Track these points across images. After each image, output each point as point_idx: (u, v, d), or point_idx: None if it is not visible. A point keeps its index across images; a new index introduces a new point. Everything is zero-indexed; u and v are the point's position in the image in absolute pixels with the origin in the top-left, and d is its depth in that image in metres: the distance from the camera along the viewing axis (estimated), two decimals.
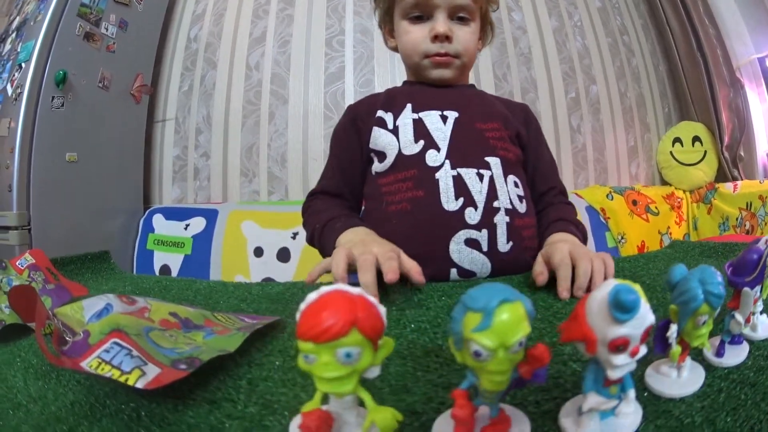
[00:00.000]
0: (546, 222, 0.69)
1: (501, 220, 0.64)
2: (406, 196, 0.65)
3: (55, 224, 1.39)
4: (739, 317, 0.32)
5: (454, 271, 0.62)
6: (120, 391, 0.28)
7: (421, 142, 0.67)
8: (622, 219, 1.67)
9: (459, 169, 0.64)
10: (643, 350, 0.23)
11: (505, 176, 0.66)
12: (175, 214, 1.68)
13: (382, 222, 0.65)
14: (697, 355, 0.32)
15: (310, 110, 1.64)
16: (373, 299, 0.22)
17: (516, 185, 0.67)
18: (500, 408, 0.24)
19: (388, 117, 0.70)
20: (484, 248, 0.62)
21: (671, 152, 1.86)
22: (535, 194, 0.73)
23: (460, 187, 0.63)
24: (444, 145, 0.66)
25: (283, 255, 1.54)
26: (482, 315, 0.21)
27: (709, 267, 0.28)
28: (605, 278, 0.50)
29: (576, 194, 1.66)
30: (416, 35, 0.70)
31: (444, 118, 0.68)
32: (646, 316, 0.23)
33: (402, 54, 0.74)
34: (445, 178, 0.64)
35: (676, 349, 0.29)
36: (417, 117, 0.69)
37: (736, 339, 0.34)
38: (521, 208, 0.66)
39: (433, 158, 0.65)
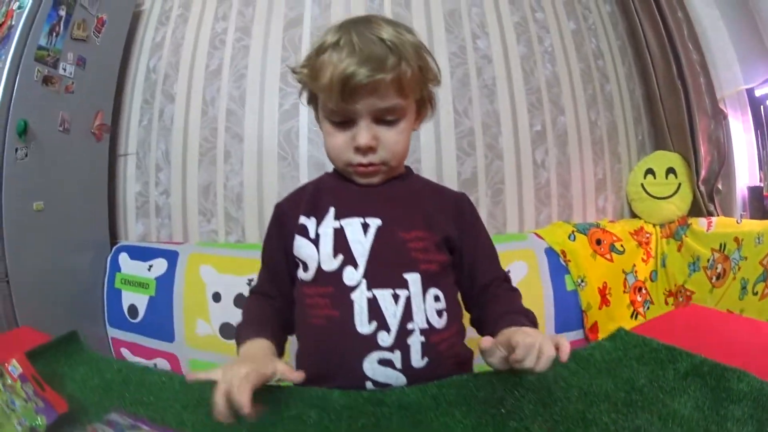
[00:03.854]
0: (493, 315, 0.68)
1: (415, 340, 0.64)
2: (324, 312, 0.66)
3: (30, 273, 1.40)
4: None
5: (369, 384, 0.64)
6: None
7: (340, 257, 0.66)
8: (583, 261, 1.62)
9: (375, 290, 0.64)
10: None
11: (425, 292, 0.66)
12: (139, 253, 1.71)
13: (305, 333, 0.68)
14: None
15: (265, 149, 1.61)
16: None
17: (437, 299, 0.67)
18: None
19: (311, 224, 0.70)
20: (398, 366, 0.64)
21: (642, 184, 1.80)
22: (476, 287, 0.73)
23: (374, 310, 0.64)
24: (362, 261, 0.66)
25: (240, 301, 1.55)
26: None
27: None
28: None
29: (536, 234, 1.62)
30: (338, 141, 0.67)
31: (365, 227, 0.68)
32: None
33: (327, 154, 0.71)
34: (359, 299, 0.64)
35: None
36: (339, 226, 0.68)
37: None
38: (439, 323, 0.67)
39: (350, 277, 0.66)
